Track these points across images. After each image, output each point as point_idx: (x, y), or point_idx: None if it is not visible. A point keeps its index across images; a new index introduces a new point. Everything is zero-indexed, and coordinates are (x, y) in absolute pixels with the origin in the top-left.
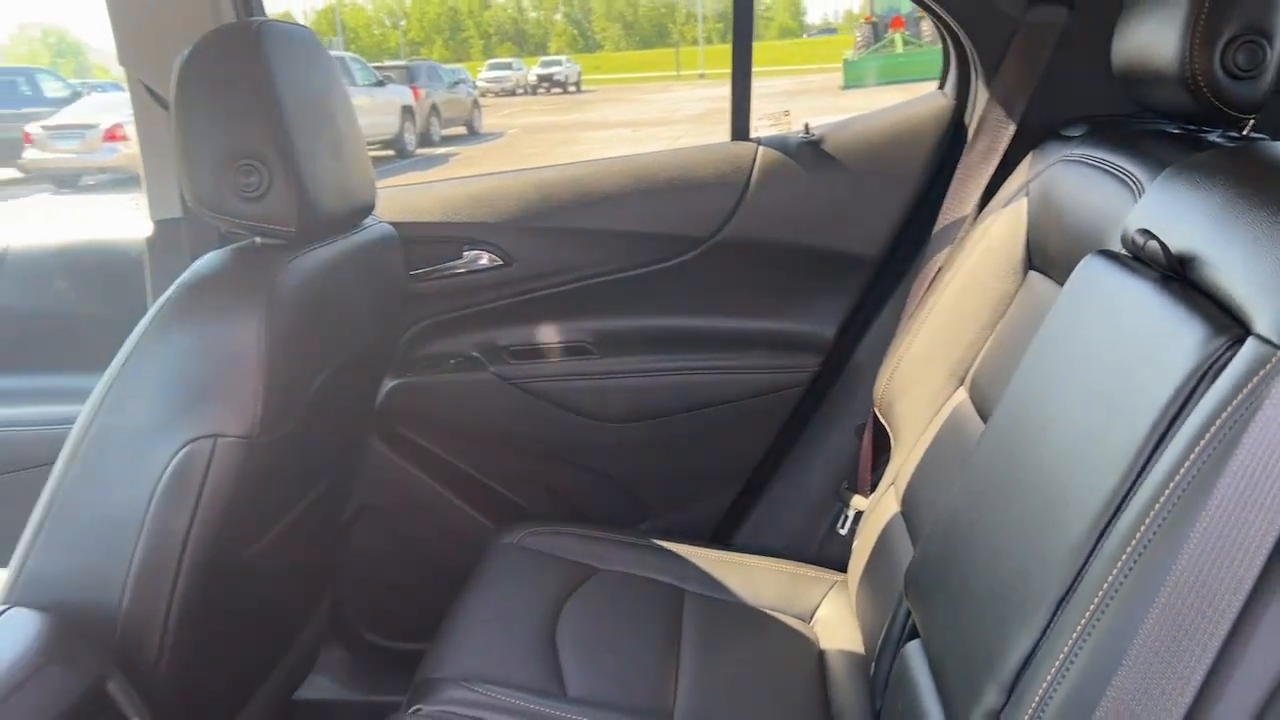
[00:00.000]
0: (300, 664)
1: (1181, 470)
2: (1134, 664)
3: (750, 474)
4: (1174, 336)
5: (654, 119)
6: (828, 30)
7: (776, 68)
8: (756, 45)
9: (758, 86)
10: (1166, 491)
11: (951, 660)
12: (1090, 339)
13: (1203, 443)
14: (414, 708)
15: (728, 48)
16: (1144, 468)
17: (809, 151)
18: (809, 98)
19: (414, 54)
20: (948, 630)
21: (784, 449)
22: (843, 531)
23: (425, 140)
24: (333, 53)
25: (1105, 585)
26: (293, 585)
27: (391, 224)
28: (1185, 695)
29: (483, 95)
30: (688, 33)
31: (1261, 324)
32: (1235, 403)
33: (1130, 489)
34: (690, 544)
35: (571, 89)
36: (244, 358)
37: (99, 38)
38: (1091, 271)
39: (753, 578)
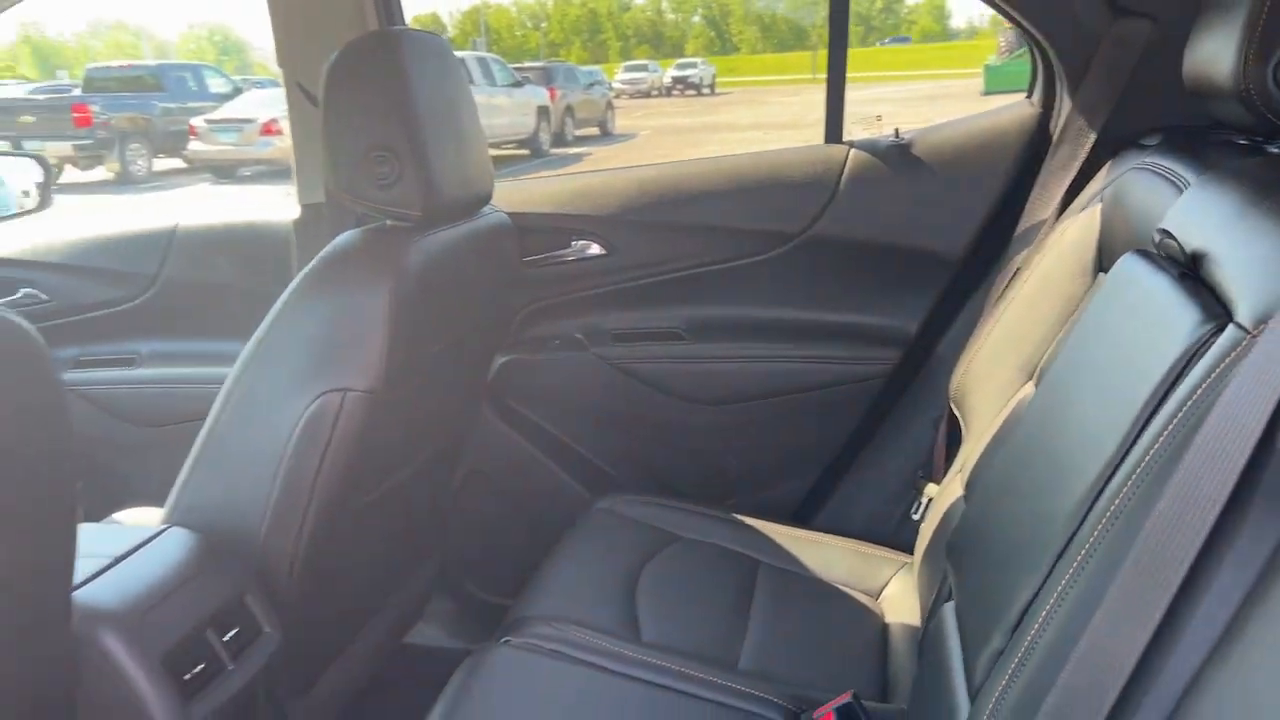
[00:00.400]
0: (410, 611)
1: (1159, 441)
2: (1108, 607)
3: (831, 459)
4: (1174, 325)
5: (785, 122)
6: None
7: (916, 72)
8: (894, 51)
9: (897, 91)
10: (1145, 460)
11: (972, 614)
12: (1114, 328)
13: (1178, 418)
14: (504, 639)
15: (867, 51)
16: (1134, 440)
17: (898, 154)
18: (949, 102)
19: (553, 55)
20: (972, 588)
21: (865, 437)
22: (916, 518)
23: (559, 140)
24: (476, 53)
25: (1090, 540)
26: (402, 535)
27: (508, 214)
28: (1147, 630)
29: (618, 97)
30: (826, 36)
31: (1241, 312)
32: (1208, 383)
33: (1121, 459)
34: (770, 521)
35: (705, 91)
36: (372, 323)
37: (262, 36)
38: (1126, 268)
39: (826, 555)
